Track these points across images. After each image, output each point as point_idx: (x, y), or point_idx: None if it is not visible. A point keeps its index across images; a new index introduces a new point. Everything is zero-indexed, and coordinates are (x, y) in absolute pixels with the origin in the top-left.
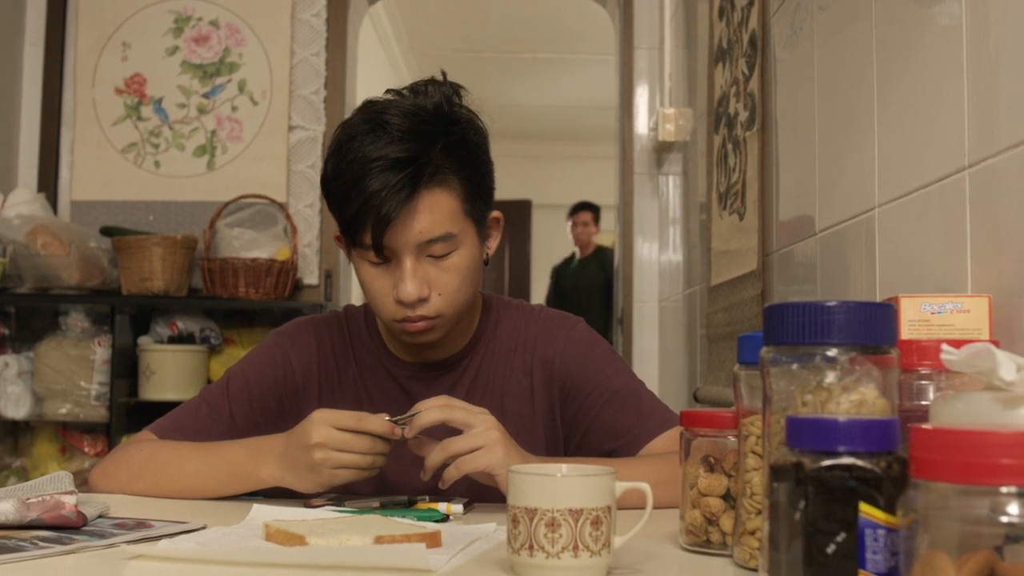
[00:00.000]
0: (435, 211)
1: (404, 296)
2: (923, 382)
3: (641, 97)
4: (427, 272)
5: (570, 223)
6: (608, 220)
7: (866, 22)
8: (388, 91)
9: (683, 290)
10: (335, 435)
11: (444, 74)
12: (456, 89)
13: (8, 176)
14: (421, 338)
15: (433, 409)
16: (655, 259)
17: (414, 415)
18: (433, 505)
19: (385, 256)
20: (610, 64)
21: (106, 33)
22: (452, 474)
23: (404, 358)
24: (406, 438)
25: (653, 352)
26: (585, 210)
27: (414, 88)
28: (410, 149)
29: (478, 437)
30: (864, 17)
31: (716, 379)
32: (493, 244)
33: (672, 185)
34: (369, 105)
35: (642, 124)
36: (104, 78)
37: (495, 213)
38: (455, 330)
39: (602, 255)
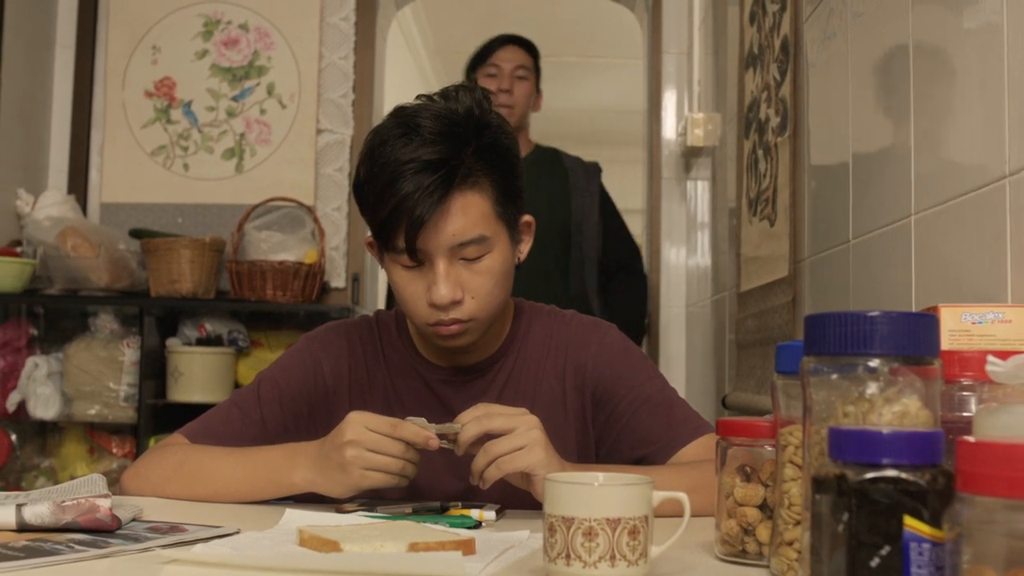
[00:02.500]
0: (468, 213)
1: (437, 299)
2: (965, 393)
3: (669, 102)
4: (460, 275)
5: (478, 75)
6: (636, 225)
7: (903, 27)
8: (419, 96)
9: (711, 295)
10: (368, 435)
11: (475, 81)
12: (486, 95)
13: (39, 178)
14: (454, 342)
15: (473, 423)
16: (683, 264)
17: (453, 428)
18: (466, 512)
19: (418, 259)
20: (635, 68)
21: (136, 36)
22: (492, 474)
23: (435, 362)
24: (446, 448)
25: (680, 357)
26: (511, 45)
27: (444, 93)
28: (442, 151)
29: (519, 437)
30: (901, 22)
31: (745, 386)
32: (525, 248)
33: (700, 190)
34: (400, 110)
35: (670, 129)
36: (134, 81)
37: (526, 217)
38: (487, 334)
39: (554, 160)
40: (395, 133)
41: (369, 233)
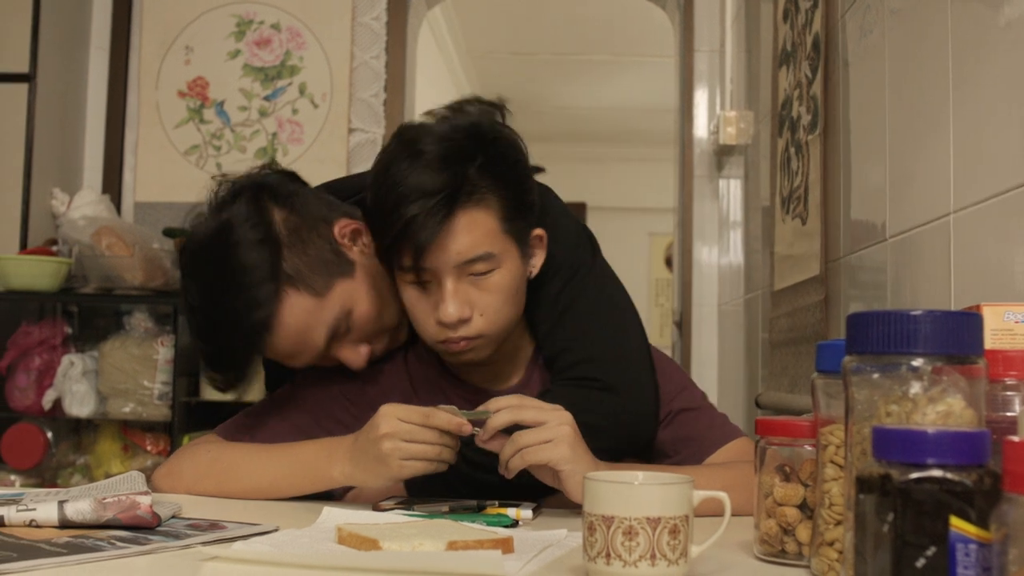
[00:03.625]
0: (473, 231)
1: (445, 317)
2: (1009, 393)
3: (701, 100)
4: (468, 293)
5: None
6: (668, 223)
7: (942, 23)
8: (425, 113)
9: (743, 294)
10: (402, 426)
11: (503, 101)
12: (500, 108)
13: (74, 178)
14: (464, 358)
15: (505, 411)
16: (715, 263)
17: (484, 414)
18: (502, 510)
19: (425, 279)
20: (666, 66)
21: (170, 37)
22: (516, 463)
23: (463, 378)
24: (474, 435)
25: (712, 356)
26: None
27: (452, 107)
28: (444, 178)
29: (548, 431)
30: (940, 18)
31: (779, 385)
32: (537, 263)
33: (732, 188)
34: (405, 132)
35: (701, 127)
36: (167, 81)
37: (537, 231)
38: (511, 356)
39: None
40: (399, 156)
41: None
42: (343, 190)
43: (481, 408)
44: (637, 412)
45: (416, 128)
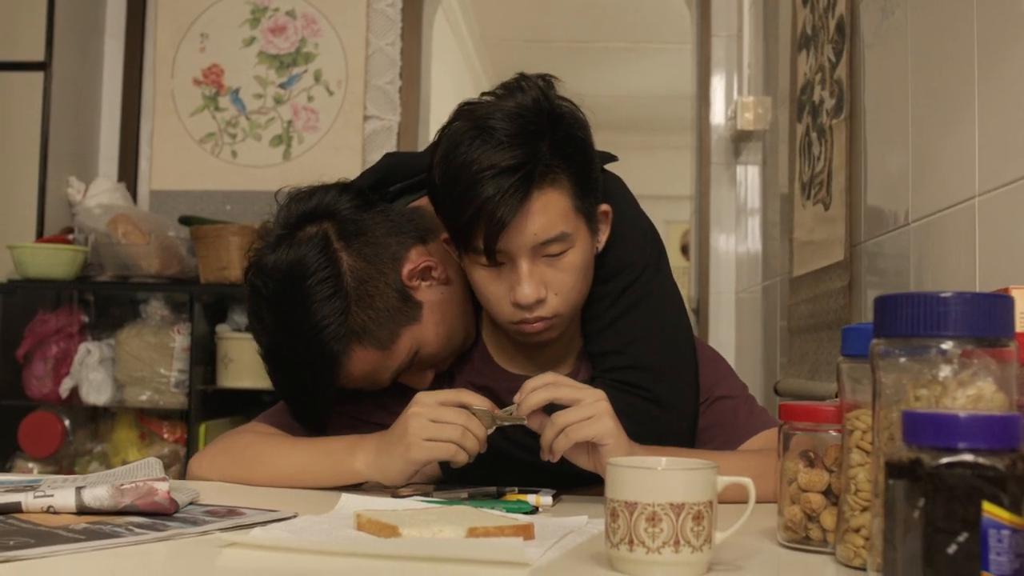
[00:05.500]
0: (548, 212)
1: (522, 299)
2: None
3: (718, 86)
4: (543, 273)
5: None
6: (684, 210)
7: (966, 2)
8: (484, 94)
9: (761, 281)
10: (432, 405)
11: (551, 76)
12: (549, 81)
13: (90, 166)
14: (538, 338)
15: (540, 390)
16: (732, 250)
17: (519, 420)
18: (522, 497)
19: (498, 260)
20: (682, 53)
21: (184, 24)
22: (562, 444)
23: (511, 370)
24: (506, 424)
25: (730, 344)
26: None
27: (507, 86)
28: (519, 155)
29: (587, 408)
30: None
31: (798, 372)
32: (603, 238)
33: (750, 175)
34: (470, 111)
35: (719, 113)
36: (182, 69)
37: (603, 206)
38: (566, 343)
39: None
40: (469, 136)
41: (445, 234)
42: (411, 165)
43: (513, 405)
44: (679, 430)
45: (483, 105)
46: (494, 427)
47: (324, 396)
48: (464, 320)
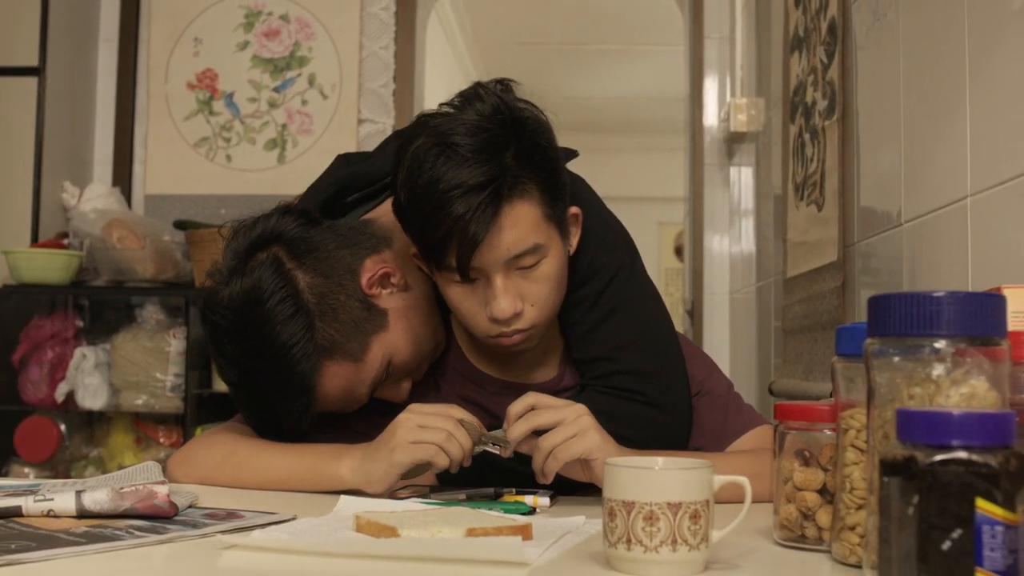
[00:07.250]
0: (519, 225)
1: (499, 314)
2: None
3: (711, 87)
4: (518, 286)
5: None
6: (678, 212)
7: (958, 4)
8: (441, 105)
9: (755, 282)
10: (420, 415)
11: (508, 80)
12: (507, 85)
13: (84, 171)
14: (516, 348)
15: (521, 422)
16: (726, 251)
17: (504, 442)
18: (520, 498)
19: (472, 277)
20: (675, 55)
21: (178, 29)
22: (552, 466)
23: (491, 374)
24: (495, 450)
25: (724, 345)
26: None
27: (464, 95)
28: (486, 170)
29: (571, 427)
30: (956, 0)
31: (792, 372)
32: (574, 241)
33: (743, 176)
34: (431, 127)
35: (711, 115)
36: (176, 73)
37: (573, 209)
38: (544, 348)
39: None
40: (433, 153)
41: (414, 248)
42: (366, 176)
43: (500, 430)
44: (678, 430)
45: (442, 119)
46: (481, 448)
47: (301, 425)
48: (431, 324)
